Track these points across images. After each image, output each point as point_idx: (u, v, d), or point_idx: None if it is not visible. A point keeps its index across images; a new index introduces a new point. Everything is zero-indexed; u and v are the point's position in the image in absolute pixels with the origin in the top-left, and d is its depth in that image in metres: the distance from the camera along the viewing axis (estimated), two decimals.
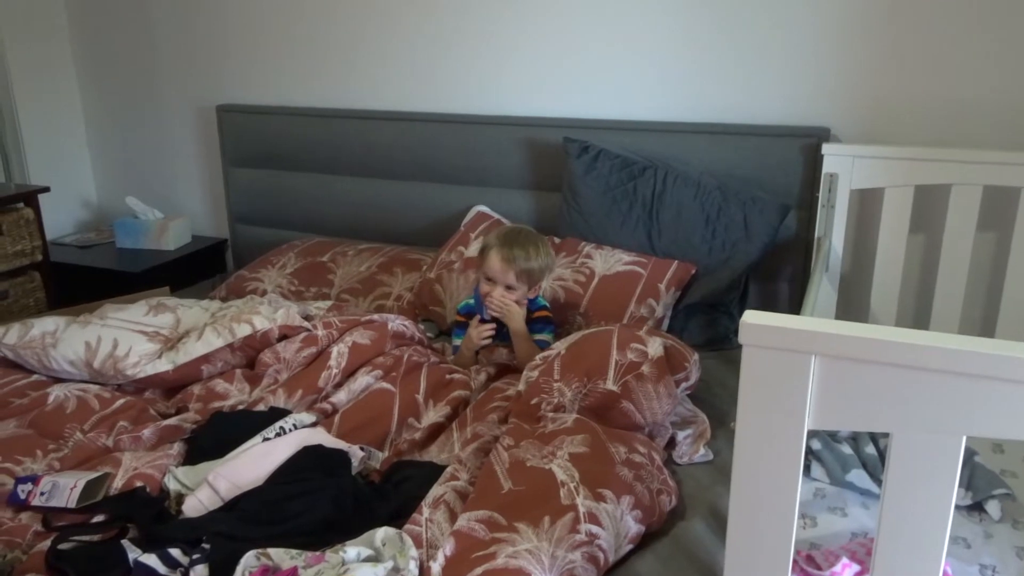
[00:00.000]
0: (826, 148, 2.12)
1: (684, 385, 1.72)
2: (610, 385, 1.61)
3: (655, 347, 1.68)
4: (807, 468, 1.53)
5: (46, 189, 2.84)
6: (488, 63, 2.59)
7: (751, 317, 0.86)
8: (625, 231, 2.31)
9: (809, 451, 1.54)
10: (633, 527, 1.34)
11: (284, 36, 2.84)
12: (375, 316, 2.08)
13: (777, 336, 0.85)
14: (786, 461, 0.90)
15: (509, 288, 1.98)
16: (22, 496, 1.46)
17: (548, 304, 2.10)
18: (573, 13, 2.45)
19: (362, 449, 1.61)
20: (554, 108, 2.55)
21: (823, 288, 2.20)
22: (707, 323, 2.20)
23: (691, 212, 2.25)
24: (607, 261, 2.22)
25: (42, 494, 1.45)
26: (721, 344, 2.17)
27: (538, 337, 2.01)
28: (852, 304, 2.32)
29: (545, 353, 1.76)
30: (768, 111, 2.31)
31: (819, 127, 2.23)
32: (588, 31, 2.45)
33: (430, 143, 2.66)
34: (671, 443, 1.66)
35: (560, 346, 1.75)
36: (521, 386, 1.71)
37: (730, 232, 2.21)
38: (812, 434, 1.47)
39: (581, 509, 1.30)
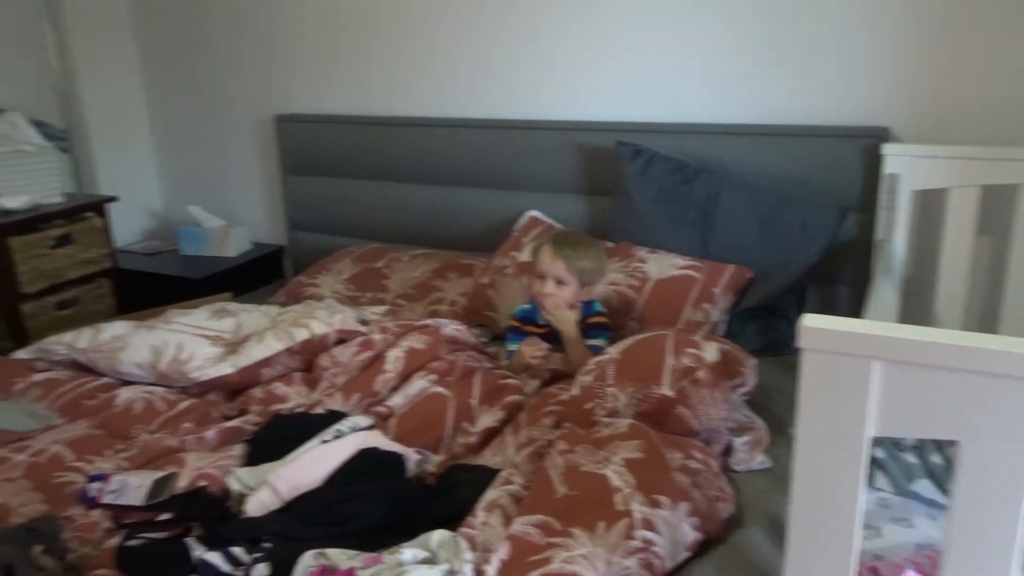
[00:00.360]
0: (887, 148, 2.07)
1: (741, 391, 1.69)
2: (665, 390, 1.60)
3: (711, 352, 1.66)
4: (870, 477, 1.49)
5: (115, 199, 2.94)
6: (539, 68, 2.60)
7: (811, 320, 0.84)
8: (678, 235, 2.28)
9: (872, 460, 1.50)
10: (690, 534, 1.33)
11: (339, 47, 2.89)
12: (430, 321, 2.10)
13: (838, 340, 0.83)
14: (848, 469, 0.88)
15: (560, 284, 1.98)
16: (93, 494, 1.52)
17: (604, 310, 2.09)
18: (622, 16, 2.44)
19: (417, 452, 1.63)
20: (605, 112, 2.54)
21: (885, 292, 2.15)
22: (764, 328, 2.17)
23: (746, 215, 2.22)
24: (661, 265, 2.20)
25: (112, 492, 1.51)
26: (779, 349, 2.13)
27: (592, 342, 2.00)
28: (916, 309, 2.25)
29: (599, 358, 1.76)
30: (823, 111, 2.27)
31: (878, 127, 2.18)
32: (638, 34, 2.44)
33: (482, 149, 2.68)
34: (728, 450, 1.64)
35: (614, 351, 1.75)
36: (575, 390, 1.71)
37: (787, 235, 2.17)
38: (875, 442, 1.44)
39: (636, 515, 1.29)
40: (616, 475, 1.39)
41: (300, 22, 2.94)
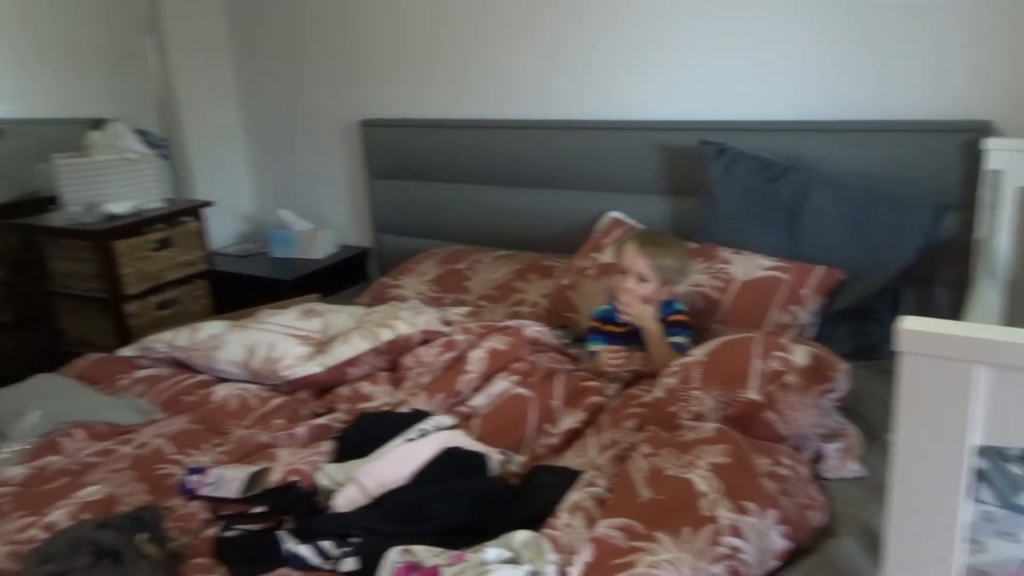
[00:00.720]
0: (989, 143, 1.97)
1: (832, 396, 1.64)
2: (753, 394, 1.56)
3: (800, 355, 1.62)
4: (974, 489, 1.42)
5: (210, 203, 3.07)
6: (621, 67, 2.58)
7: (910, 323, 0.81)
8: (764, 235, 2.23)
9: (976, 471, 1.43)
10: (779, 542, 1.29)
11: (422, 53, 2.94)
12: (511, 322, 2.11)
13: (939, 343, 0.80)
14: (949, 480, 0.84)
15: (640, 281, 1.97)
16: (191, 486, 1.59)
17: (685, 308, 2.06)
18: (703, 13, 2.40)
19: (500, 453, 1.64)
20: (688, 111, 2.50)
21: (988, 294, 2.04)
22: (856, 331, 2.09)
23: (835, 214, 2.15)
24: (746, 266, 2.15)
25: (209, 484, 1.57)
26: (871, 353, 2.05)
27: (674, 339, 1.97)
28: (1021, 313, 2.13)
29: (683, 360, 1.73)
30: (916, 106, 2.17)
31: (979, 121, 2.07)
32: (719, 29, 2.39)
33: (564, 150, 2.68)
34: (818, 457, 1.59)
35: (699, 353, 1.72)
36: (658, 393, 1.69)
37: (880, 235, 2.09)
38: (979, 452, 1.37)
39: (723, 521, 1.27)
40: (702, 480, 1.37)
41: (384, 30, 3.00)
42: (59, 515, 1.50)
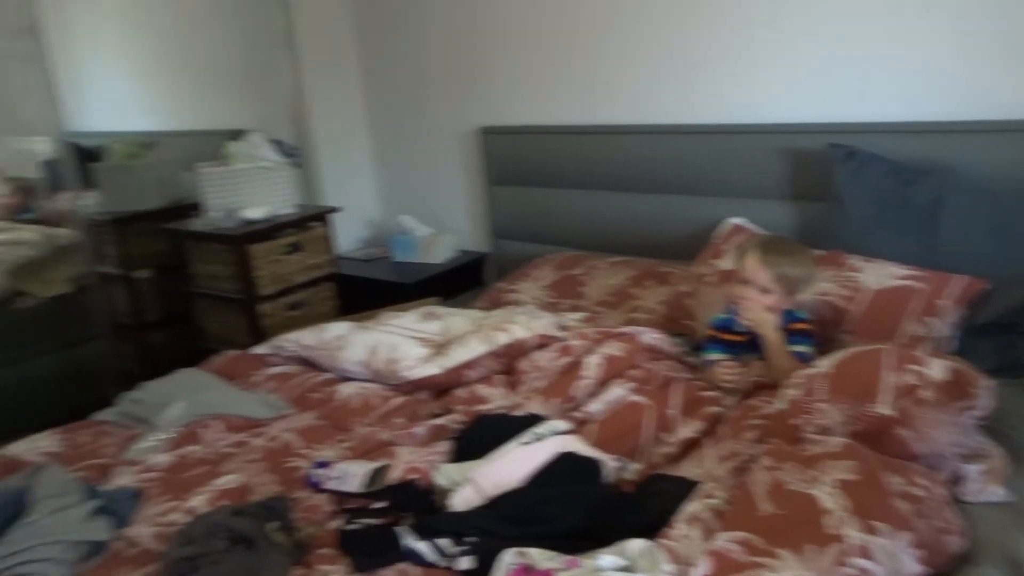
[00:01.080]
0: None
1: (972, 414, 1.53)
2: (883, 409, 1.48)
3: (937, 369, 1.52)
4: None
5: (337, 209, 3.21)
6: (744, 70, 2.51)
7: None
8: (897, 242, 2.11)
9: None
10: (913, 567, 1.22)
11: (540, 59, 2.97)
12: (628, 329, 2.09)
13: None
14: None
15: (764, 292, 1.91)
16: (317, 479, 1.66)
17: (809, 316, 1.99)
18: (829, 10, 2.30)
19: (615, 460, 1.63)
20: (814, 113, 2.40)
21: None
22: (1000, 346, 1.95)
23: (976, 221, 2.01)
24: (877, 275, 2.05)
25: (334, 478, 1.64)
26: (1018, 370, 1.91)
27: (796, 348, 1.90)
28: None
29: (808, 371, 1.66)
30: None
31: None
32: (846, 27, 2.28)
33: (683, 155, 2.64)
34: (957, 479, 1.49)
35: (825, 364, 1.65)
36: (781, 404, 1.63)
37: None
38: None
39: (852, 541, 1.21)
40: (828, 496, 1.31)
41: (505, 40, 3.04)
42: (199, 501, 1.61)
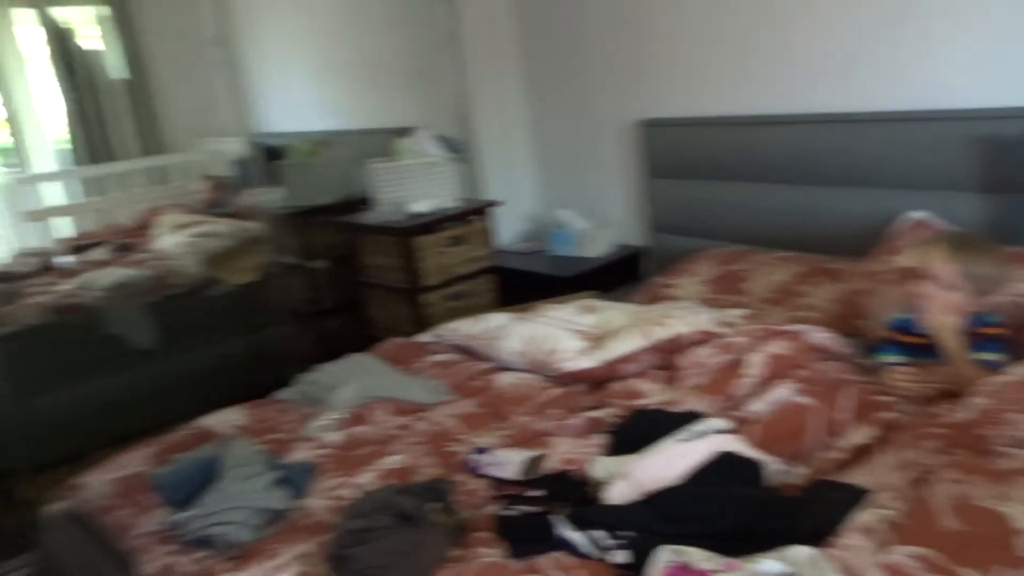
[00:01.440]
0: None
1: None
2: None
3: None
4: None
5: (498, 203, 3.29)
6: (923, 51, 2.32)
7: None
8: None
9: None
10: None
11: (701, 50, 2.88)
12: (795, 327, 2.00)
13: None
14: None
15: (949, 289, 1.76)
16: (476, 464, 1.71)
17: (1000, 320, 1.81)
18: None
19: (779, 462, 1.56)
20: (1008, 96, 2.18)
21: None
22: None
23: None
24: None
25: (492, 464, 1.68)
26: None
27: (982, 356, 1.74)
28: None
29: (998, 378, 1.52)
30: None
31: None
32: None
33: (855, 145, 2.47)
34: None
35: (1020, 371, 1.50)
36: (968, 413, 1.50)
37: None
38: None
39: None
40: (1021, 515, 1.19)
41: (666, 28, 2.99)
42: (367, 478, 1.70)
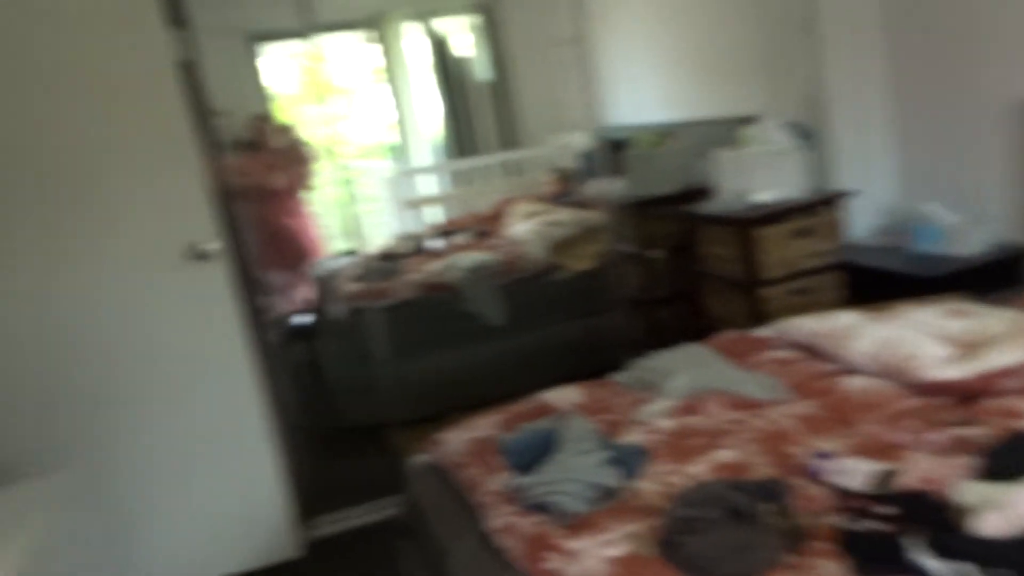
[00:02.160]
0: None
1: None
2: None
3: None
4: None
5: (851, 193, 3.03)
6: None
7: None
8: None
9: None
10: None
11: None
12: None
13: None
14: None
15: None
16: (817, 469, 1.60)
17: None
18: None
19: None
20: None
21: None
22: None
23: None
24: None
25: (836, 473, 1.56)
26: None
27: None
28: None
29: None
30: None
31: None
32: None
33: None
34: None
35: None
36: None
37: None
38: None
39: None
40: None
41: None
42: (698, 469, 1.68)
